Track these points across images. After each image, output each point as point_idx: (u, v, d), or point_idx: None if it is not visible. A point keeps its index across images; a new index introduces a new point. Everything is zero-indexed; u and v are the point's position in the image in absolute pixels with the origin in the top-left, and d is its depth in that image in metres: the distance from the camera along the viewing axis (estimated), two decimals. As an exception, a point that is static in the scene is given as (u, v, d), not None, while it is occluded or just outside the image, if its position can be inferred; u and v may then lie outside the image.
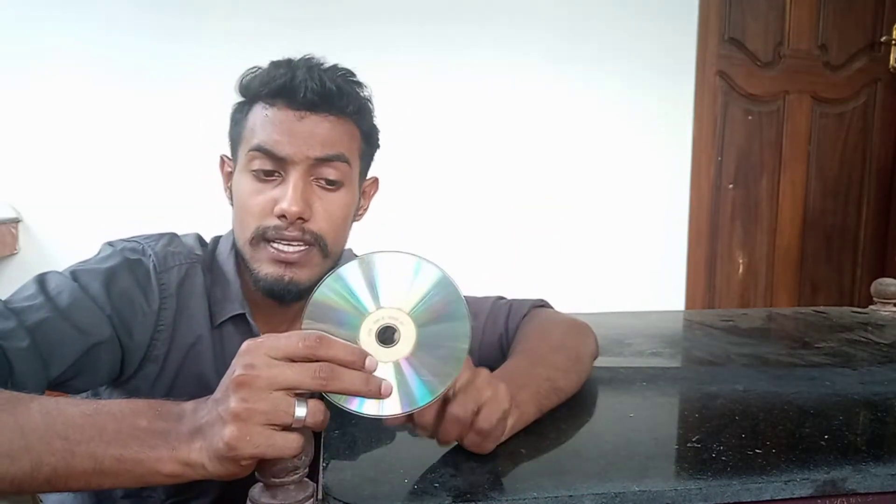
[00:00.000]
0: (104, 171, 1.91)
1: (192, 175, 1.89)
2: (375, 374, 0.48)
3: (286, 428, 0.44)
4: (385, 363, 0.49)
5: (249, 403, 0.43)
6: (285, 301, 0.75)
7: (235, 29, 1.95)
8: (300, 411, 0.44)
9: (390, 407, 0.49)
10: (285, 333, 0.47)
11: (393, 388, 0.48)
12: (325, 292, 0.50)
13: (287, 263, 0.72)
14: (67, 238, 1.88)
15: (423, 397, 0.50)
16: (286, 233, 0.71)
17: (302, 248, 0.72)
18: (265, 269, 0.73)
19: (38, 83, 1.87)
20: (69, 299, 0.65)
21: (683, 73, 2.30)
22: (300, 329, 0.54)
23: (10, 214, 1.85)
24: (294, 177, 0.71)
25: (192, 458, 0.45)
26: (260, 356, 0.45)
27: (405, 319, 0.50)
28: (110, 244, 0.76)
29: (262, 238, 0.72)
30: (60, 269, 0.70)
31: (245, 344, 0.47)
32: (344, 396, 0.47)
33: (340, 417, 0.66)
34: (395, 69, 2.02)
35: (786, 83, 2.46)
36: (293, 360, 0.45)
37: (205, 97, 1.91)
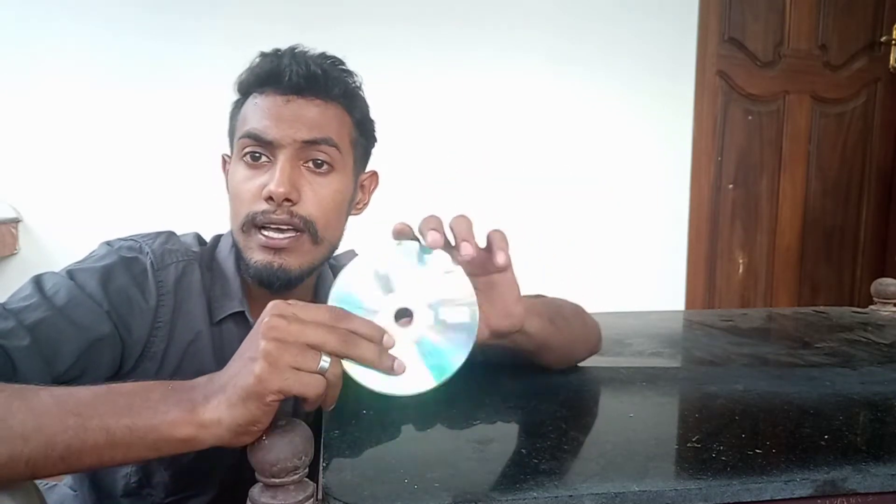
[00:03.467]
0: (104, 171, 1.91)
1: (193, 175, 1.89)
2: (396, 353, 0.52)
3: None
4: (404, 343, 0.53)
5: (280, 345, 0.46)
6: (275, 288, 0.74)
7: (235, 29, 1.95)
8: (324, 364, 0.47)
9: (416, 384, 0.53)
10: (311, 304, 0.50)
11: (411, 365, 0.53)
12: (346, 278, 0.54)
13: (276, 250, 0.72)
14: (67, 238, 1.87)
15: (445, 370, 0.54)
16: (274, 217, 0.71)
17: (291, 234, 0.73)
18: (255, 256, 0.73)
19: (38, 83, 1.87)
20: (66, 297, 0.66)
21: (683, 73, 2.30)
22: None
23: (10, 214, 1.85)
24: (282, 160, 0.72)
25: (206, 418, 0.46)
26: (289, 313, 0.48)
27: (419, 302, 0.54)
28: (108, 243, 0.76)
29: (252, 224, 0.72)
30: (57, 270, 0.70)
31: (272, 304, 0.49)
32: (388, 383, 0.51)
33: (340, 418, 0.66)
34: (396, 70, 2.02)
35: (786, 83, 2.46)
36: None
37: (205, 97, 1.90)
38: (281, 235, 0.72)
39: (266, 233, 0.72)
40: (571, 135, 2.23)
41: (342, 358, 0.48)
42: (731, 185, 2.46)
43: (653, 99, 2.27)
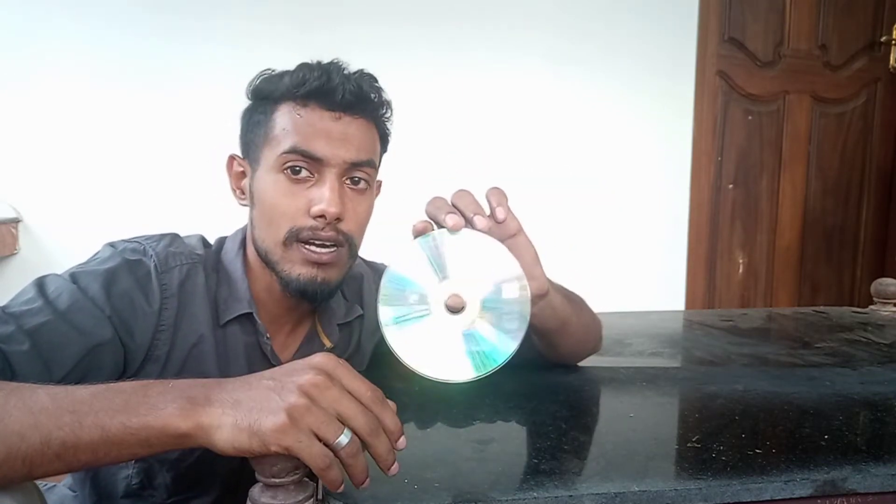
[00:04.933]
0: (104, 171, 1.91)
1: (193, 175, 1.89)
2: (445, 341, 0.54)
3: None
4: (454, 330, 0.54)
5: (310, 405, 0.45)
6: (317, 301, 0.77)
7: (236, 29, 1.95)
8: (343, 439, 0.46)
9: (464, 373, 0.54)
10: (358, 374, 0.49)
11: (455, 354, 0.54)
12: (401, 262, 0.55)
13: (320, 265, 0.74)
14: (67, 238, 1.87)
15: (497, 358, 0.55)
16: (322, 233, 0.73)
17: (334, 249, 0.74)
18: (297, 269, 0.74)
19: (38, 83, 1.87)
20: (68, 301, 0.65)
21: (683, 73, 2.30)
22: (308, 330, 0.67)
23: (10, 214, 1.85)
24: (330, 178, 0.73)
25: (205, 421, 0.45)
26: (337, 374, 0.48)
27: (471, 289, 0.55)
28: (111, 245, 0.75)
29: (296, 239, 0.73)
30: (60, 272, 0.70)
31: (325, 356, 0.49)
32: (420, 359, 0.53)
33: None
34: (396, 69, 2.01)
35: (786, 83, 2.46)
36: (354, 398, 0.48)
37: (205, 97, 1.91)
38: (325, 250, 0.74)
39: (310, 247, 0.73)
40: (571, 135, 2.22)
41: (361, 440, 0.47)
42: (731, 185, 2.46)
43: (653, 99, 2.27)
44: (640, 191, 2.30)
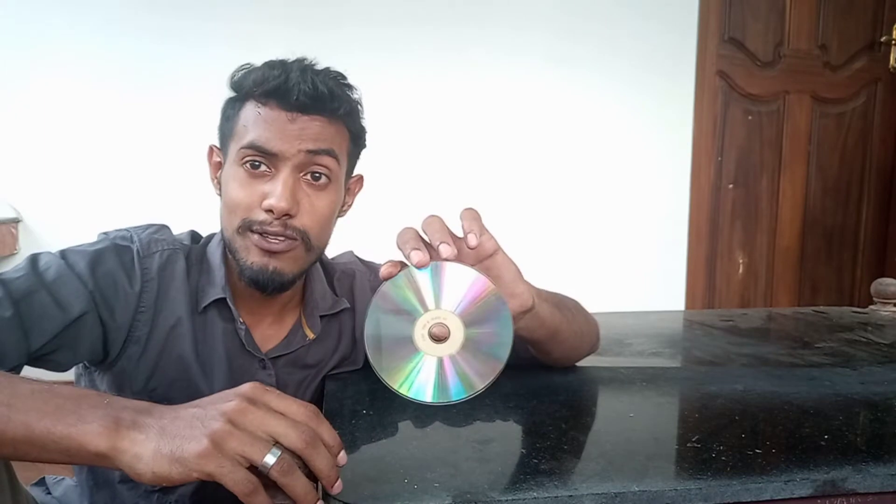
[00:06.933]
0: (104, 170, 1.91)
1: (191, 174, 1.88)
2: (422, 365, 0.55)
3: (250, 467, 0.45)
4: (431, 357, 0.55)
5: (233, 430, 0.45)
6: (268, 291, 0.77)
7: (234, 30, 1.95)
8: (270, 459, 0.45)
9: (426, 394, 0.55)
10: (289, 397, 0.49)
11: (427, 376, 0.55)
12: (396, 284, 0.55)
13: (272, 253, 0.74)
14: (67, 238, 1.84)
15: (456, 393, 0.55)
16: (270, 228, 0.73)
17: (286, 240, 0.75)
18: (251, 257, 0.75)
19: (38, 83, 1.87)
20: (55, 275, 0.69)
21: (683, 73, 2.30)
22: (295, 322, 0.64)
23: (10, 214, 1.85)
24: (284, 173, 0.74)
25: (124, 445, 0.45)
26: (262, 399, 0.47)
27: (456, 322, 0.55)
28: (104, 233, 0.80)
29: (248, 229, 0.75)
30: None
31: (253, 384, 0.49)
32: (390, 372, 0.54)
33: (339, 417, 0.66)
34: (395, 71, 2.03)
35: (786, 83, 2.46)
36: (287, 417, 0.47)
37: (204, 97, 1.90)
38: (276, 239, 0.74)
39: (263, 235, 0.74)
40: (571, 135, 2.23)
41: (299, 455, 0.46)
42: (731, 185, 2.46)
43: (653, 99, 2.27)
44: (640, 191, 2.30)
